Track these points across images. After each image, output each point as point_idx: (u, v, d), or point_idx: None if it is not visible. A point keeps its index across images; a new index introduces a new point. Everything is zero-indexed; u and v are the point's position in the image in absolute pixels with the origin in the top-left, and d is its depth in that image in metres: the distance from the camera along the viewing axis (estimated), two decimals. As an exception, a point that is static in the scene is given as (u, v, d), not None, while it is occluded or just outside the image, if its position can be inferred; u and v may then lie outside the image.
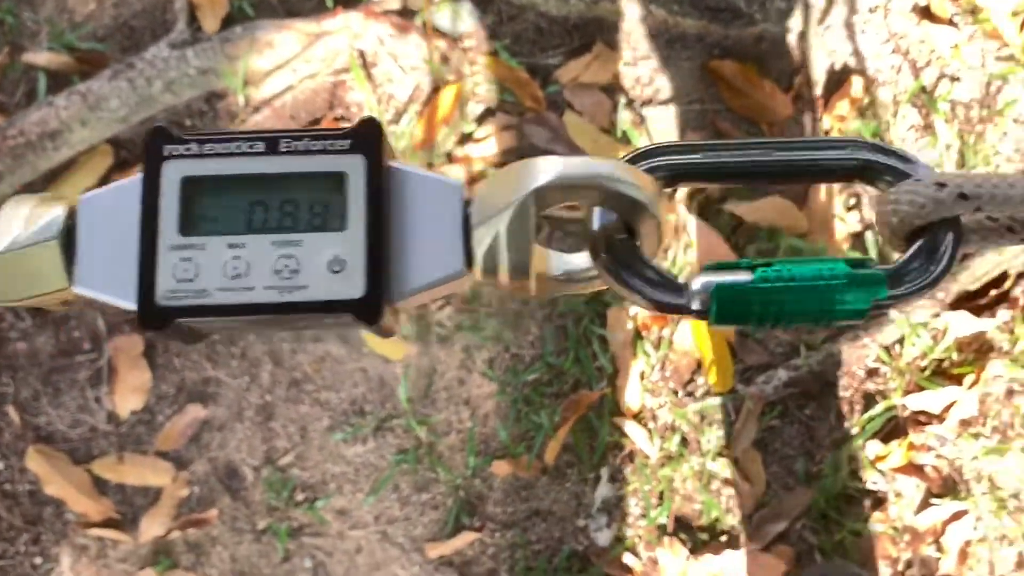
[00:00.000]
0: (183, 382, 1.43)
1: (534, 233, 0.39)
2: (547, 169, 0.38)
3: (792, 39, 1.53)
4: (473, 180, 1.49)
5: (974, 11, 1.53)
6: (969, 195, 0.39)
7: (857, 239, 1.47)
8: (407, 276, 0.39)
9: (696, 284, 0.39)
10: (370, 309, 0.38)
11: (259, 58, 1.49)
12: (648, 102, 1.53)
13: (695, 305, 0.39)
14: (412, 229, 0.39)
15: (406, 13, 1.52)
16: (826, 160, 0.41)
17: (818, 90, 1.53)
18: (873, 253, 1.46)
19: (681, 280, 0.40)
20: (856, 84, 1.52)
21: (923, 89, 1.53)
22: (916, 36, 1.54)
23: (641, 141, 1.50)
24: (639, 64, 1.53)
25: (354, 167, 0.39)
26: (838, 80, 1.53)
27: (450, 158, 1.50)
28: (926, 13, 1.54)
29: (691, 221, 1.46)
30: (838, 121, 1.51)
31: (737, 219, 1.47)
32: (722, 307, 0.38)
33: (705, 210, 1.47)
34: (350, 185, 0.39)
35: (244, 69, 1.48)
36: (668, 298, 0.39)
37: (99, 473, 1.40)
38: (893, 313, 1.43)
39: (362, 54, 1.51)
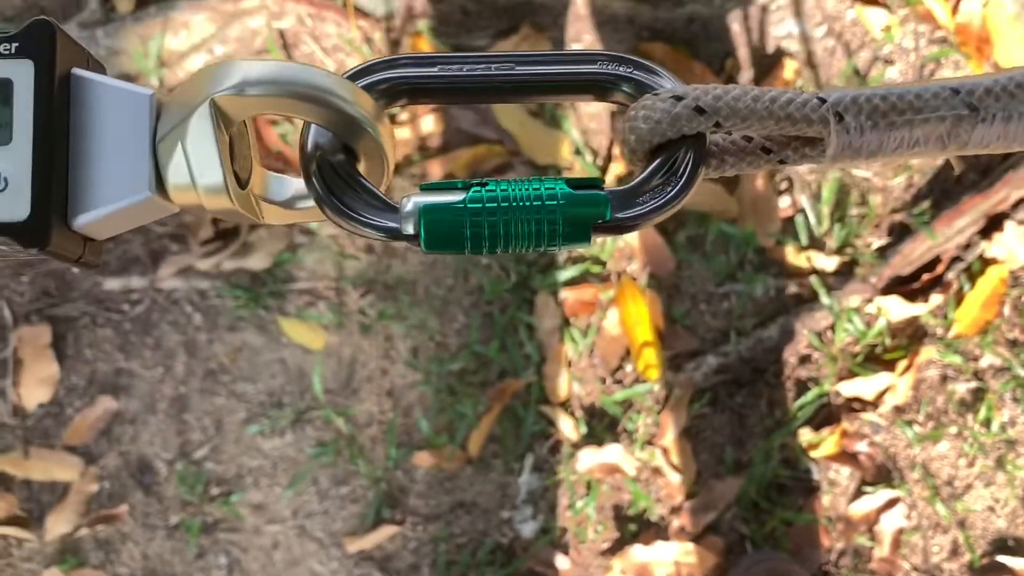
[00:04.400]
0: (94, 373, 1.38)
1: (223, 147, 0.35)
2: (229, 74, 0.34)
3: (723, 21, 1.51)
4: (396, 168, 1.45)
5: (907, -7, 1.51)
6: (706, 108, 0.36)
7: (789, 223, 1.44)
8: (86, 198, 0.35)
9: (407, 206, 0.36)
10: (35, 233, 0.34)
11: (174, 39, 1.44)
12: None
13: (407, 229, 0.36)
14: (95, 145, 0.35)
15: (327, -7, 1.48)
16: (572, 74, 0.38)
17: (750, 72, 1.50)
18: (803, 236, 1.43)
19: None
20: (788, 66, 1.49)
21: (856, 71, 1.51)
22: (849, 18, 1.52)
23: (570, 125, 1.46)
24: (568, 46, 1.50)
25: (20, 74, 0.35)
26: (770, 62, 1.51)
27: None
28: (859, -5, 1.52)
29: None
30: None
31: (667, 203, 1.44)
32: (432, 230, 0.35)
33: (635, 194, 1.44)
34: (16, 94, 0.34)
35: (158, 50, 1.43)
36: (381, 221, 0.36)
37: (3, 469, 1.34)
38: (824, 298, 1.40)
39: (281, 34, 1.47)
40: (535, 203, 0.35)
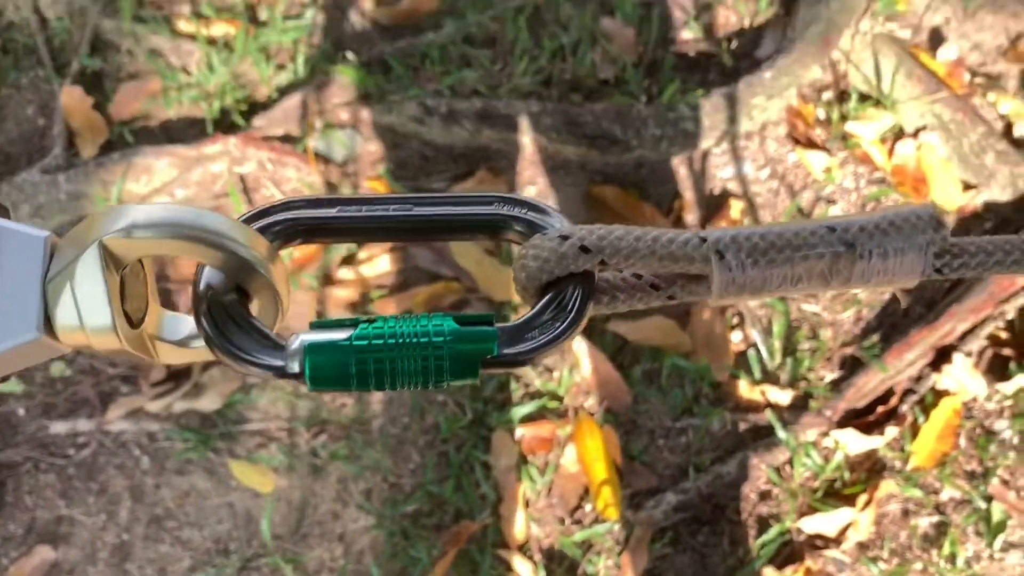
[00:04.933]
0: (33, 521, 1.33)
1: (113, 288, 0.35)
2: (118, 217, 0.35)
3: (670, 164, 1.57)
4: (352, 305, 1.46)
5: (844, 137, 1.59)
6: (591, 248, 0.37)
7: (741, 356, 1.46)
8: None
9: (293, 344, 0.36)
10: None
11: (135, 183, 1.47)
12: (532, 225, 1.53)
13: (293, 367, 0.36)
14: None
15: (288, 139, 1.53)
16: (467, 215, 0.39)
17: (697, 213, 1.55)
18: (756, 370, 1.44)
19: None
20: (735, 206, 1.55)
21: (800, 210, 1.56)
22: (791, 160, 1.59)
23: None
24: (523, 190, 1.54)
25: None
26: (717, 203, 1.56)
27: (331, 280, 1.47)
28: (800, 139, 1.60)
29: (576, 342, 1.43)
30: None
31: (621, 339, 1.45)
32: (316, 368, 0.35)
33: (590, 330, 1.45)
34: None
35: (118, 194, 1.45)
36: (268, 360, 0.36)
37: (-72, 626, 1.27)
38: (780, 432, 1.40)
39: (242, 179, 1.50)
40: (422, 340, 0.36)
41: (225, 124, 1.53)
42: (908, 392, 1.45)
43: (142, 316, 0.38)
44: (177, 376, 1.40)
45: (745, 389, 1.44)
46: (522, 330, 0.37)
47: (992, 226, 1.54)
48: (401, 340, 0.36)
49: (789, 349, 1.47)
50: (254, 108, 1.55)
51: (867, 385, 1.44)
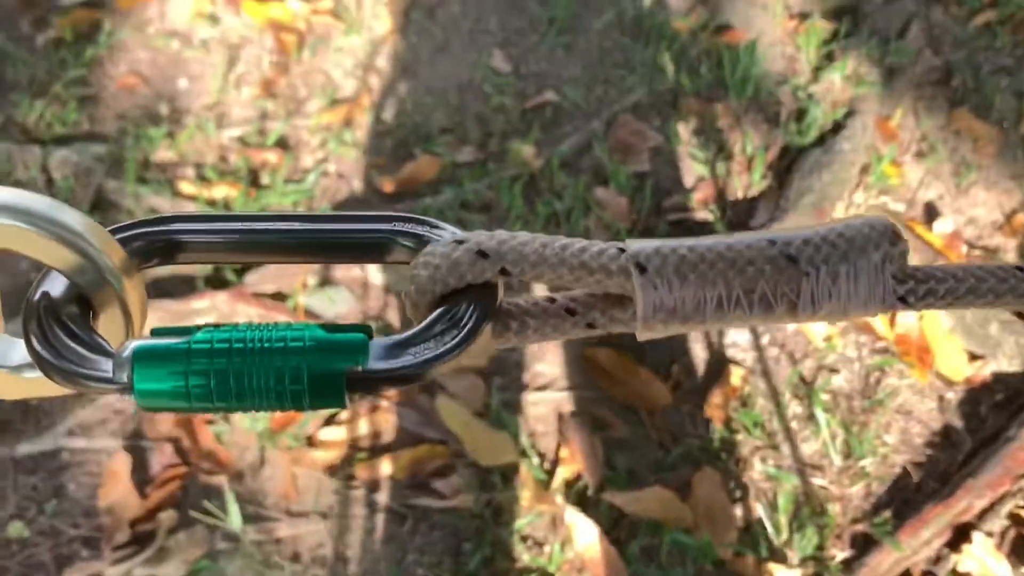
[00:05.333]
0: None
1: None
2: None
3: (668, 329, 1.53)
4: (332, 469, 1.39)
5: (843, 306, 1.56)
6: (489, 252, 0.33)
7: (746, 532, 1.36)
8: None
9: (124, 351, 0.30)
10: None
11: (119, 336, 1.44)
12: (525, 388, 1.48)
13: (121, 377, 0.30)
14: None
15: (279, 296, 1.51)
16: (352, 232, 0.34)
17: (696, 379, 1.50)
18: (763, 547, 1.34)
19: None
20: (735, 373, 1.50)
21: (802, 379, 1.51)
22: (791, 327, 1.55)
23: (517, 426, 1.43)
24: (516, 349, 1.51)
25: None
26: (716, 370, 1.51)
27: (311, 442, 1.41)
28: (798, 308, 1.57)
29: (568, 512, 1.35)
30: (718, 410, 1.47)
31: (617, 510, 1.37)
32: (146, 377, 0.30)
33: (583, 500, 1.37)
34: None
35: (101, 346, 1.42)
36: (93, 371, 0.30)
37: None
38: (790, 615, 1.28)
39: (229, 335, 1.47)
40: (276, 346, 0.30)
41: (217, 280, 1.52)
42: (926, 574, 1.34)
43: None
44: (142, 539, 1.31)
45: (751, 568, 1.34)
46: (403, 345, 0.31)
47: (1003, 398, 1.48)
48: (251, 347, 0.30)
49: (796, 525, 1.37)
50: (248, 265, 1.54)
51: (881, 565, 1.33)
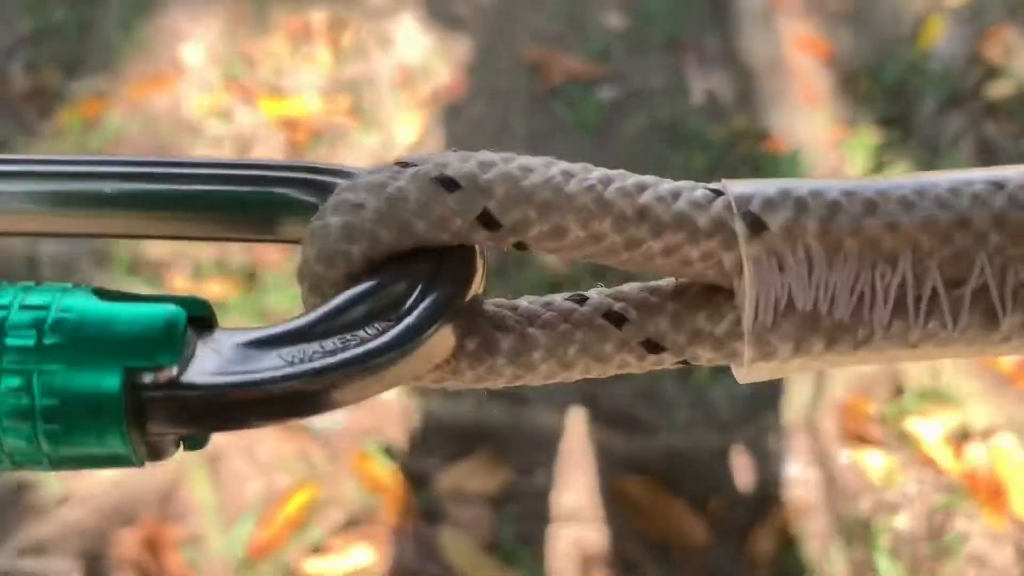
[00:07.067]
0: None
1: None
2: None
3: (705, 456, 1.36)
4: (318, 603, 1.20)
5: (903, 436, 1.39)
6: (461, 181, 0.18)
7: None
8: None
9: None
10: None
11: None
12: (542, 519, 1.30)
13: None
14: None
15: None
16: (228, 182, 0.20)
17: (738, 517, 1.32)
18: None
19: None
20: (782, 511, 1.31)
21: (859, 520, 1.32)
22: (844, 460, 1.37)
23: (534, 563, 1.24)
24: (534, 472, 1.34)
25: None
26: (761, 506, 1.33)
27: (295, 574, 1.22)
28: (852, 436, 1.40)
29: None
30: (763, 554, 1.28)
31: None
32: None
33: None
34: None
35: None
36: None
37: None
38: None
39: (212, 445, 1.31)
40: None
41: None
42: None
43: None
44: None
45: None
46: (271, 343, 0.17)
47: (1094, 549, 1.28)
48: None
49: None
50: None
51: None
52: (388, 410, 1.36)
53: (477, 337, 0.19)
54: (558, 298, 0.20)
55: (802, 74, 1.93)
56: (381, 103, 1.91)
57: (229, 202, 0.20)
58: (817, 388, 1.41)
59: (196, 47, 1.95)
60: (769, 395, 1.40)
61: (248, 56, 1.94)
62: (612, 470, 1.35)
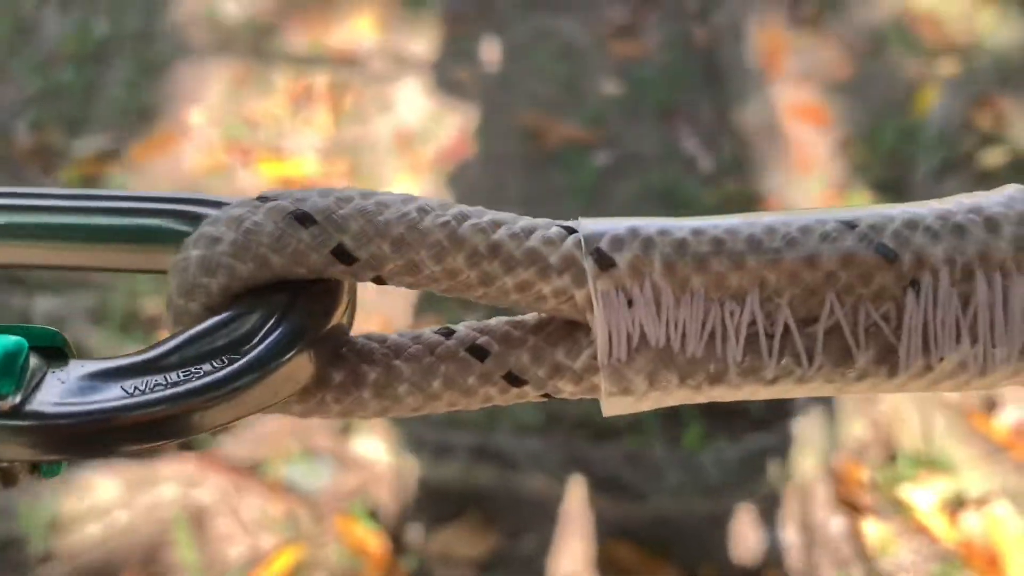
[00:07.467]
0: None
1: None
2: None
3: (696, 522, 1.34)
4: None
5: (897, 503, 1.37)
6: (317, 216, 0.19)
7: None
8: None
9: None
10: None
11: (75, 501, 1.28)
12: (529, 585, 1.28)
13: None
14: None
15: (254, 463, 1.35)
16: (108, 213, 0.21)
17: (728, 582, 1.29)
18: None
19: None
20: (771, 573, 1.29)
21: None
22: (836, 528, 1.35)
23: (514, 630, 1.22)
24: (522, 536, 1.32)
25: None
26: (751, 573, 1.31)
27: (276, 639, 1.20)
28: (845, 503, 1.38)
29: None
30: (755, 621, 1.25)
31: None
32: None
33: None
34: None
35: (51, 516, 1.26)
36: None
37: None
38: None
39: (197, 505, 1.30)
40: None
41: (190, 442, 1.37)
42: None
43: None
44: None
45: None
46: (121, 373, 0.17)
47: (1093, 623, 1.25)
48: None
49: None
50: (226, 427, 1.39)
51: None
52: (376, 471, 1.35)
53: (343, 370, 0.20)
54: (428, 331, 0.21)
55: (796, 139, 1.95)
56: (379, 166, 1.94)
57: (106, 232, 0.21)
58: (810, 453, 1.39)
59: (198, 108, 1.99)
60: (760, 460, 1.38)
61: (249, 118, 1.98)
62: (601, 535, 1.33)
